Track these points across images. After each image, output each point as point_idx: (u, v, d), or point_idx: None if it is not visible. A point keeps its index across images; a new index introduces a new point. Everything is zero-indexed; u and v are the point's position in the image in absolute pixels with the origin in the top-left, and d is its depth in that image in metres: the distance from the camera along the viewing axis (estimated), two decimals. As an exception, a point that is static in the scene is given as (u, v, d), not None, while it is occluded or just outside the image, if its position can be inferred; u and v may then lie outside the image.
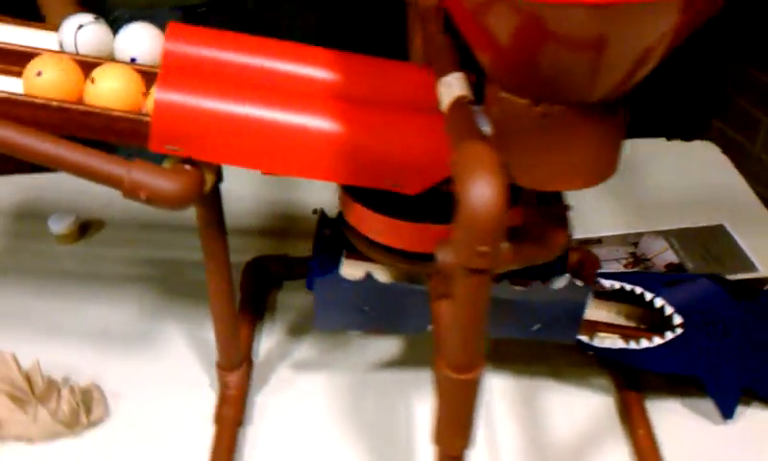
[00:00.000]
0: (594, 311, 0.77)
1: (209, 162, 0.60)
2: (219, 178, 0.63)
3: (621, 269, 0.93)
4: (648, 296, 0.73)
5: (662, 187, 1.07)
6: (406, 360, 0.82)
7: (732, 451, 0.74)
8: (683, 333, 0.73)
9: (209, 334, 0.74)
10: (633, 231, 0.99)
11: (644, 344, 0.73)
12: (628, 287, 0.73)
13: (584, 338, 0.74)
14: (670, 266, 0.94)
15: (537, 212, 0.59)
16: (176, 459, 0.73)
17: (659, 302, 0.73)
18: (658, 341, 0.73)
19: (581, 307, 0.71)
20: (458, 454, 0.57)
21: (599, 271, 0.74)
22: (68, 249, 0.94)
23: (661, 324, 0.75)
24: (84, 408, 0.76)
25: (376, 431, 0.76)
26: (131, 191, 0.58)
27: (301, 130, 0.59)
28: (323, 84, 0.64)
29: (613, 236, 0.98)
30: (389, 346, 0.83)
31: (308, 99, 0.61)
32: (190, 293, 0.87)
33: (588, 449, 0.74)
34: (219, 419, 0.75)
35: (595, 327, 0.74)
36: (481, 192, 0.45)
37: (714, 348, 0.74)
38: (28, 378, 0.75)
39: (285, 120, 0.59)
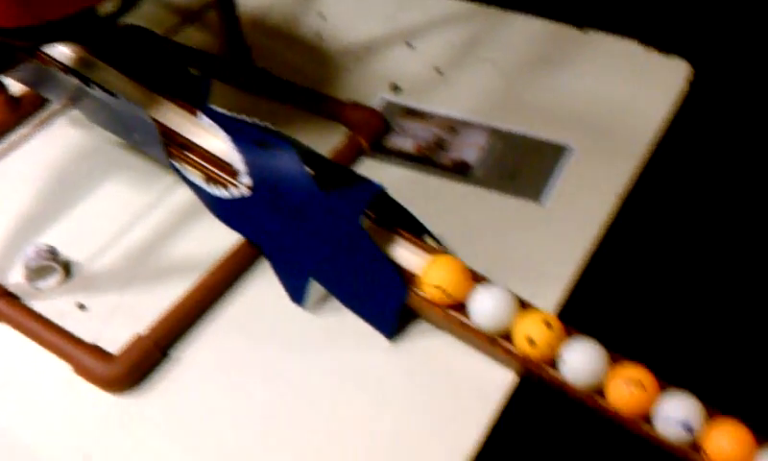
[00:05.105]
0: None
1: None
2: None
3: (412, 148, 0.86)
4: (227, 146, 0.70)
5: (564, 89, 0.91)
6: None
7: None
8: (249, 198, 0.70)
9: None
10: (465, 119, 0.88)
11: (217, 192, 0.71)
12: (216, 129, 0.71)
13: (176, 163, 0.73)
14: (457, 163, 0.84)
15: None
16: None
17: (234, 155, 0.70)
18: (226, 194, 0.71)
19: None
20: None
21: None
22: None
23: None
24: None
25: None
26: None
27: None
28: None
29: (439, 116, 0.89)
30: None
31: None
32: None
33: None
34: None
35: (184, 156, 0.73)
36: None
37: (283, 226, 0.69)
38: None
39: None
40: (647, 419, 0.60)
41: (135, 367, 0.65)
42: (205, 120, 0.73)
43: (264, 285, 0.72)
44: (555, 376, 0.61)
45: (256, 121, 0.72)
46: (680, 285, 0.79)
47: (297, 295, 0.70)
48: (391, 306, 0.66)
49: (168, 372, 0.67)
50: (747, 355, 0.74)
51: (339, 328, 0.70)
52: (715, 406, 0.60)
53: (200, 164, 0.72)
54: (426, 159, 0.84)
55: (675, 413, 0.59)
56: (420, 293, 0.66)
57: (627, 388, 0.59)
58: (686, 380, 0.62)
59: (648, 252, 0.80)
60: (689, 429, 0.58)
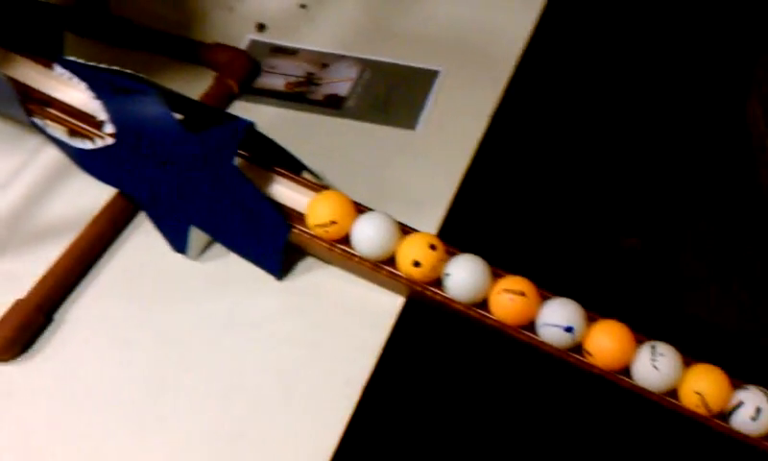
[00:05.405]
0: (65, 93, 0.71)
1: None
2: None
3: (282, 86, 0.85)
4: (87, 96, 0.68)
5: (430, 14, 0.92)
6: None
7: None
8: (114, 146, 0.68)
9: None
10: (334, 52, 0.88)
11: (82, 144, 0.69)
12: (75, 80, 0.69)
13: (37, 120, 0.71)
14: (330, 98, 0.84)
15: None
16: None
17: (94, 104, 0.68)
18: (90, 145, 0.69)
19: None
20: None
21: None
22: None
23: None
24: None
25: None
26: None
27: None
28: None
29: (308, 52, 0.89)
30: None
31: None
32: None
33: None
34: None
35: (44, 112, 0.71)
36: None
37: (154, 174, 0.68)
38: None
39: None
40: (531, 328, 0.63)
41: (18, 333, 0.63)
42: (62, 72, 0.70)
43: (146, 237, 0.71)
44: (440, 294, 0.63)
45: (117, 69, 0.70)
46: (552, 199, 0.82)
47: (178, 244, 0.69)
48: (275, 246, 0.66)
49: (54, 335, 0.65)
50: (624, 266, 0.78)
51: (226, 274, 0.69)
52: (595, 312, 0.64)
53: (61, 118, 0.70)
54: (298, 96, 0.84)
55: (556, 318, 0.62)
56: (307, 230, 0.66)
57: (509, 297, 0.62)
58: (566, 293, 0.65)
59: (520, 168, 0.83)
60: (570, 330, 0.61)
